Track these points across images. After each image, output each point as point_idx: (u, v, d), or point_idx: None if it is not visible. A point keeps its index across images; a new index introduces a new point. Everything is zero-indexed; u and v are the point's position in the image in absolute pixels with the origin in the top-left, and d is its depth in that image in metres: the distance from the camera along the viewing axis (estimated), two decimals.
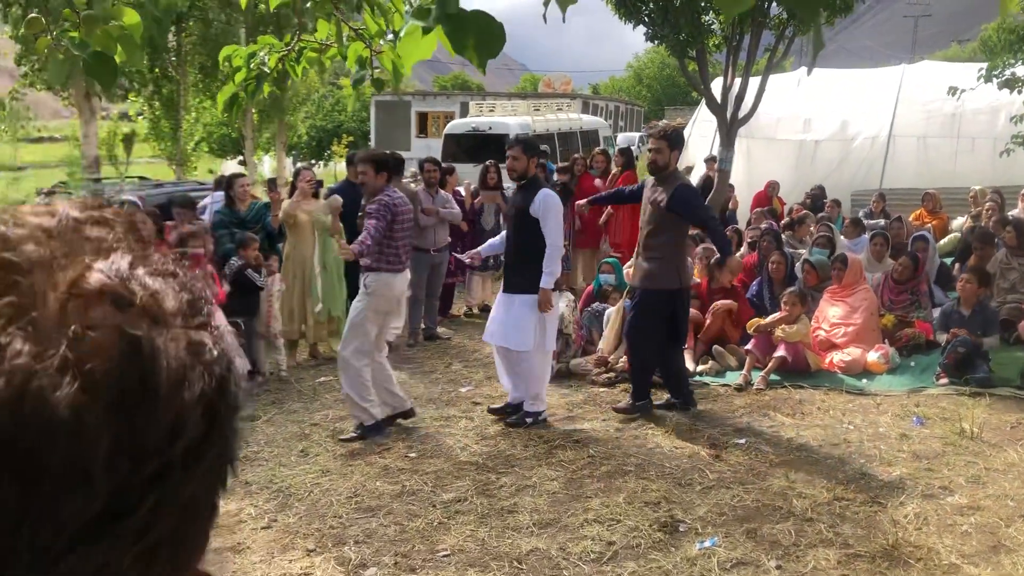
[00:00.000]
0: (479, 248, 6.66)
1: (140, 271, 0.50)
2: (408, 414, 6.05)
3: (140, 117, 18.92)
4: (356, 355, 5.74)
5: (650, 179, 6.22)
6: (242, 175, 8.19)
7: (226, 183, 8.03)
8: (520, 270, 5.95)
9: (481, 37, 1.26)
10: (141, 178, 12.98)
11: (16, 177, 7.38)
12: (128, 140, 24.14)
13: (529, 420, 6.05)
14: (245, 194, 7.80)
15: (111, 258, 0.50)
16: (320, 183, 7.77)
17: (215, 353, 0.51)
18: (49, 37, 1.87)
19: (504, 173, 13.82)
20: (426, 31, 1.29)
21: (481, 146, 15.65)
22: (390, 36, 2.15)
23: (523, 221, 5.90)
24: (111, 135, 22.86)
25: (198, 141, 18.72)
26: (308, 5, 2.14)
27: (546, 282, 5.83)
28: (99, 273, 0.48)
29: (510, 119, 16.89)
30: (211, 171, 23.48)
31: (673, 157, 6.06)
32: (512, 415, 6.13)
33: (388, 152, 6.97)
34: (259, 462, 5.61)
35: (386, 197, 5.74)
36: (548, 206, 5.84)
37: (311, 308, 7.74)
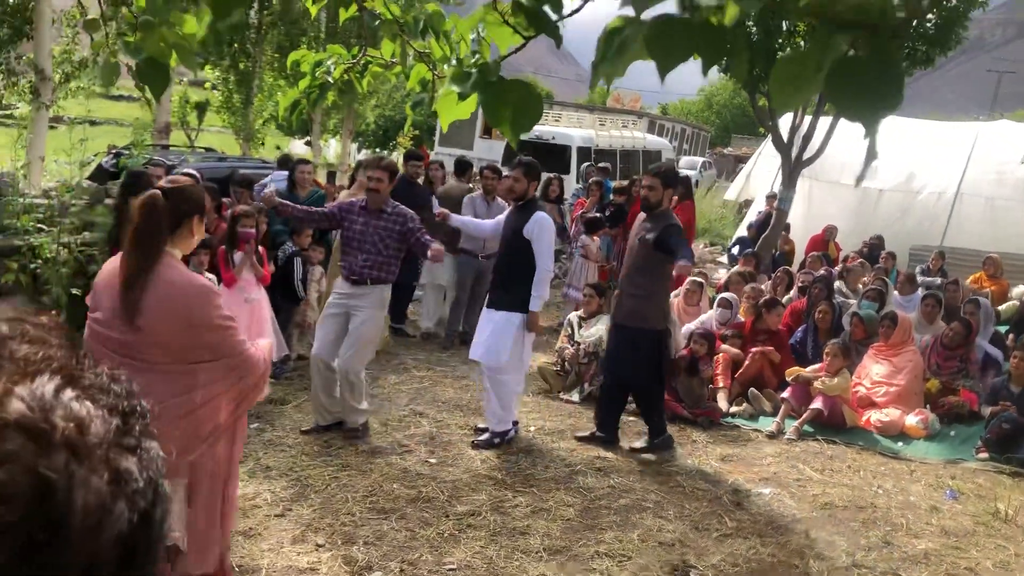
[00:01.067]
0: (458, 218, 6.66)
1: (67, 394, 0.47)
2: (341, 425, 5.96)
3: (214, 91, 19.21)
4: (361, 370, 5.82)
5: (641, 215, 6.17)
6: (306, 161, 8.28)
7: (290, 166, 8.12)
8: (507, 287, 5.95)
9: (518, 109, 1.24)
10: (207, 149, 13.20)
11: (84, 136, 7.53)
12: (201, 108, 24.57)
13: (497, 440, 5.95)
14: (306, 180, 7.88)
15: (36, 382, 0.47)
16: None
17: (140, 483, 0.49)
18: (105, 39, 1.88)
19: (566, 186, 13.76)
20: (462, 97, 1.28)
21: (542, 155, 15.60)
22: (454, 61, 2.14)
23: (516, 241, 5.91)
24: (182, 101, 23.28)
25: (266, 120, 18.96)
26: (376, 23, 2.15)
27: (535, 305, 5.85)
28: (19, 401, 0.45)
29: (574, 131, 16.85)
30: (278, 147, 23.81)
31: (666, 195, 6.00)
32: (491, 440, 6.00)
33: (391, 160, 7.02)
34: (282, 447, 5.65)
35: (404, 209, 5.81)
36: (542, 229, 5.85)
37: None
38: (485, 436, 6.00)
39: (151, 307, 3.01)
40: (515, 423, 6.14)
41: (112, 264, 3.22)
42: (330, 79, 2.41)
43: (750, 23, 11.01)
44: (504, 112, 1.25)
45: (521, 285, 5.85)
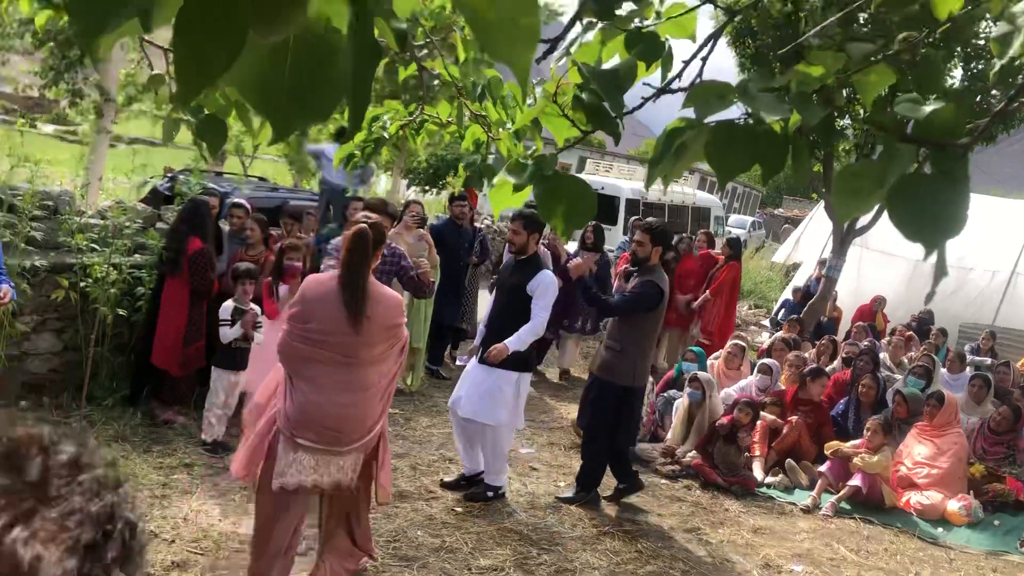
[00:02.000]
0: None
1: (13, 535, 0.45)
2: None
3: None
4: None
5: (629, 268, 6.20)
6: (358, 198, 8.34)
7: (347, 204, 8.17)
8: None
9: (571, 205, 1.23)
10: (260, 179, 13.40)
11: (144, 163, 7.72)
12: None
13: (490, 494, 5.82)
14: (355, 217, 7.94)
15: None
16: (424, 220, 7.86)
17: None
18: (168, 94, 1.91)
19: (613, 237, 13.68)
20: (517, 188, 1.27)
21: None
22: (509, 125, 2.15)
23: (516, 296, 5.75)
24: (239, 129, 23.73)
25: None
26: (435, 83, 2.16)
27: (513, 343, 5.60)
28: None
29: (624, 183, 16.86)
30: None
31: (655, 252, 5.95)
32: (467, 488, 5.90)
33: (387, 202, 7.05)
34: None
35: (397, 248, 5.94)
36: (546, 288, 5.74)
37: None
38: (475, 489, 5.85)
39: (367, 316, 3.82)
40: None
41: (320, 284, 3.94)
42: (385, 134, 2.43)
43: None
44: (558, 207, 1.23)
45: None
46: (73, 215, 6.65)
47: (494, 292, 6.09)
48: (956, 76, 11.42)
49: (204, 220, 6.50)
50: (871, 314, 12.20)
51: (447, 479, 6.02)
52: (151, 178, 10.59)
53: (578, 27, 1.44)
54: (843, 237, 12.33)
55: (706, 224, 17.24)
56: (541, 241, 6.34)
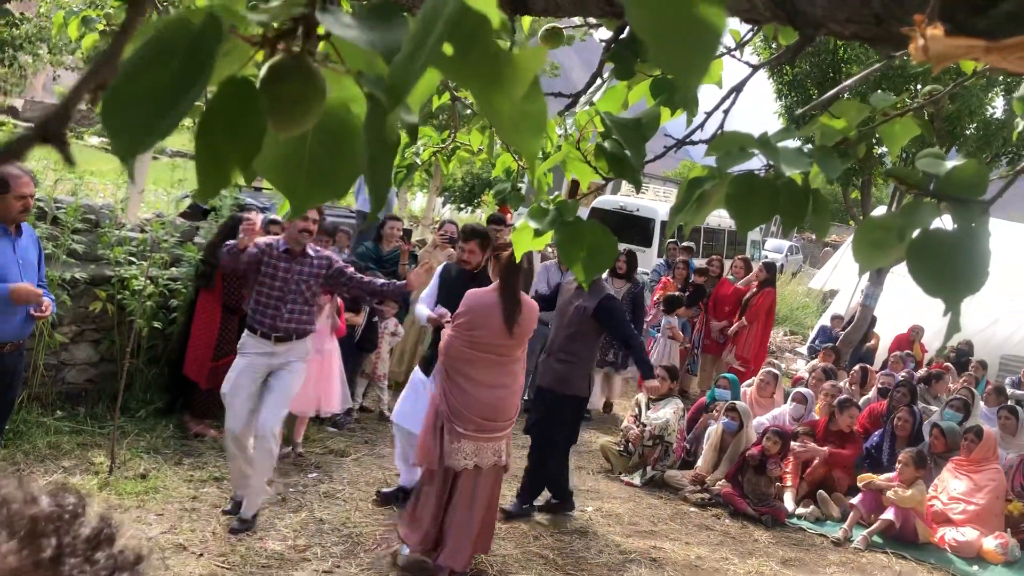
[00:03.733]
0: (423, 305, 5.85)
1: None
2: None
3: None
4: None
5: (574, 284, 6.15)
6: (396, 218, 8.38)
7: (381, 222, 8.22)
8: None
9: (592, 251, 1.24)
10: None
11: (183, 177, 7.90)
12: None
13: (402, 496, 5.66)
14: (393, 236, 7.98)
15: None
16: (454, 240, 7.88)
17: None
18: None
19: (648, 260, 13.55)
20: (538, 234, 1.29)
21: (624, 226, 15.60)
22: (540, 155, 2.15)
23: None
24: None
25: None
26: (467, 112, 2.19)
27: (441, 312, 5.39)
28: None
29: (659, 205, 16.80)
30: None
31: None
32: (404, 499, 5.63)
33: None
34: (338, 501, 5.66)
35: (327, 252, 5.65)
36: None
37: (421, 354, 7.82)
38: (393, 490, 5.79)
39: (518, 323, 4.70)
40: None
41: (480, 297, 4.79)
42: (418, 160, 2.46)
43: None
44: (578, 253, 1.24)
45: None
46: (113, 228, 6.78)
47: (433, 293, 5.77)
48: (997, 106, 11.26)
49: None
50: (909, 343, 12.01)
51: (386, 490, 5.84)
52: (191, 192, 10.76)
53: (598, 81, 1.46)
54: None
55: (742, 248, 17.09)
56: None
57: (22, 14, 13.31)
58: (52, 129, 0.55)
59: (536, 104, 0.68)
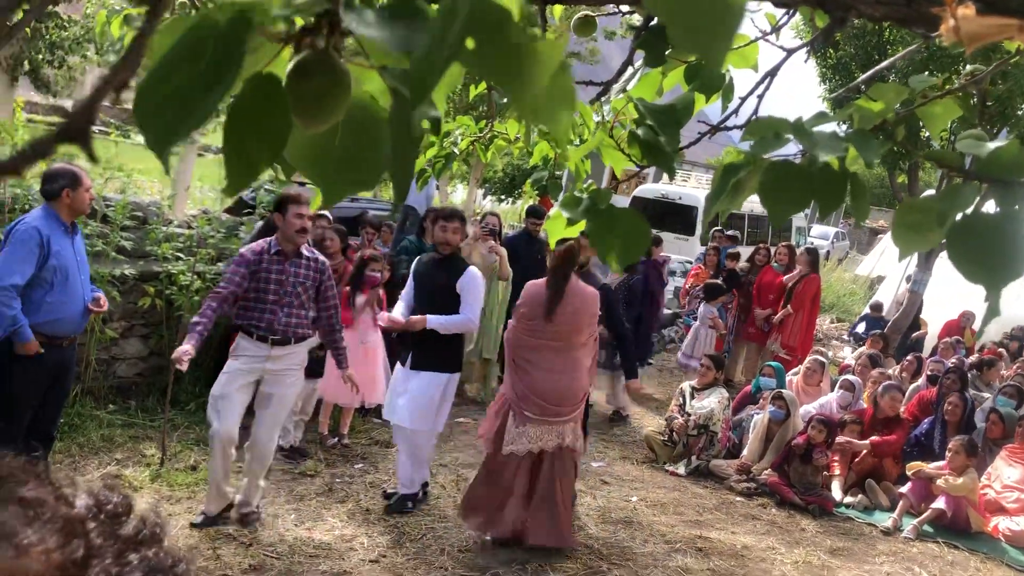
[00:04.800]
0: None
1: None
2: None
3: None
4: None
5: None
6: (435, 209, 8.40)
7: (424, 215, 8.23)
8: (431, 346, 5.37)
9: (626, 240, 1.22)
10: None
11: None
12: None
13: (411, 505, 5.52)
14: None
15: None
16: (495, 232, 7.87)
17: None
18: None
19: (692, 248, 13.39)
20: (571, 223, 1.28)
21: (666, 214, 15.49)
22: (577, 142, 2.15)
23: (444, 296, 5.38)
24: None
25: None
26: (504, 101, 2.19)
27: (432, 323, 5.30)
28: None
29: (702, 193, 16.65)
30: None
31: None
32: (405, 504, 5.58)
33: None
34: (383, 491, 5.71)
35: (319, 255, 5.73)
36: (476, 283, 5.43)
37: (464, 347, 7.83)
38: (396, 500, 5.55)
39: (566, 310, 4.91)
40: (424, 484, 5.72)
41: (537, 287, 5.05)
42: (456, 150, 2.47)
43: None
44: (611, 241, 1.23)
45: (447, 343, 5.41)
46: (160, 225, 6.90)
47: (410, 291, 5.61)
48: None
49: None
50: (959, 330, 11.76)
51: (391, 490, 5.71)
52: (220, 187, 10.89)
53: (629, 69, 1.44)
54: (929, 251, 11.94)
55: (787, 235, 16.87)
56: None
57: (70, 17, 13.57)
58: (76, 127, 0.56)
59: (563, 83, 0.68)
